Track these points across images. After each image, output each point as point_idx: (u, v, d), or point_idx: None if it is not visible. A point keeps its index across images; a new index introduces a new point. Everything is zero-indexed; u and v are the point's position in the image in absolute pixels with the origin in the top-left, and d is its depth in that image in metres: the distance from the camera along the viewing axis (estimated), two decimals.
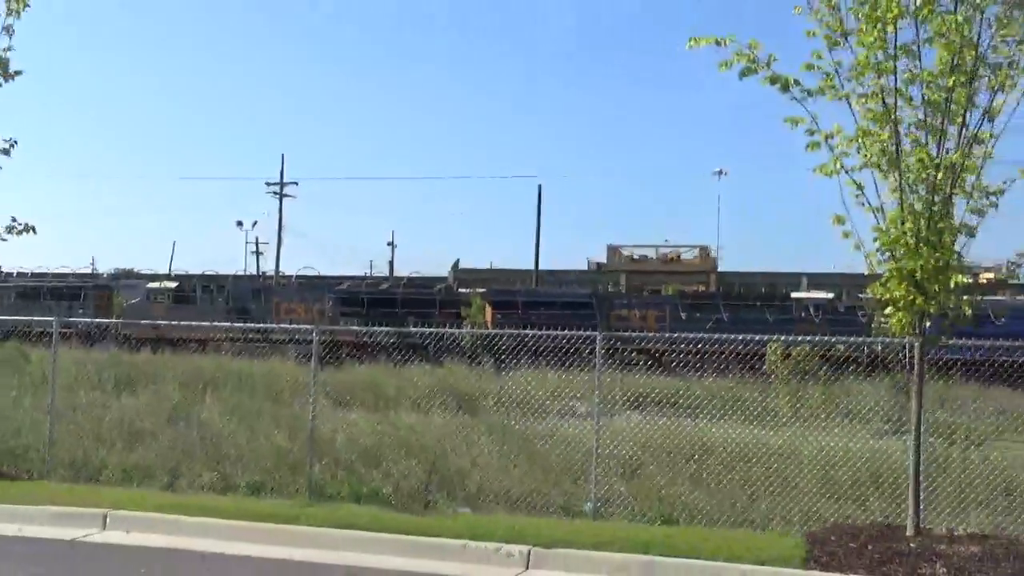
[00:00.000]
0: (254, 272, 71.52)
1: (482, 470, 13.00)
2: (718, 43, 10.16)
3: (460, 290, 55.03)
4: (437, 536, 10.57)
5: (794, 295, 44.04)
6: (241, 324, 35.95)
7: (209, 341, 37.55)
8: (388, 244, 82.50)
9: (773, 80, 10.17)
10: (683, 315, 41.47)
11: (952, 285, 9.83)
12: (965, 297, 10.18)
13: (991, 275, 37.62)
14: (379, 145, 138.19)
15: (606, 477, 12.32)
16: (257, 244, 76.19)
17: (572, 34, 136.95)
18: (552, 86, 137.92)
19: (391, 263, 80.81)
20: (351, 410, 16.97)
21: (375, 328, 18.65)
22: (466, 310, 45.27)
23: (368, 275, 69.50)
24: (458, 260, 70.53)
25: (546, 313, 41.16)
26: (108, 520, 11.42)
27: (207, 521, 11.26)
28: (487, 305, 45.03)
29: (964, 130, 9.94)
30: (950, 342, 10.80)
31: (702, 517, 11.37)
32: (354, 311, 42.69)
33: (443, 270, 65.82)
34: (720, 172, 72.16)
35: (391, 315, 39.17)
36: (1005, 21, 9.62)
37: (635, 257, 69.61)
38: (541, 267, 61.90)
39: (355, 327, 37.00)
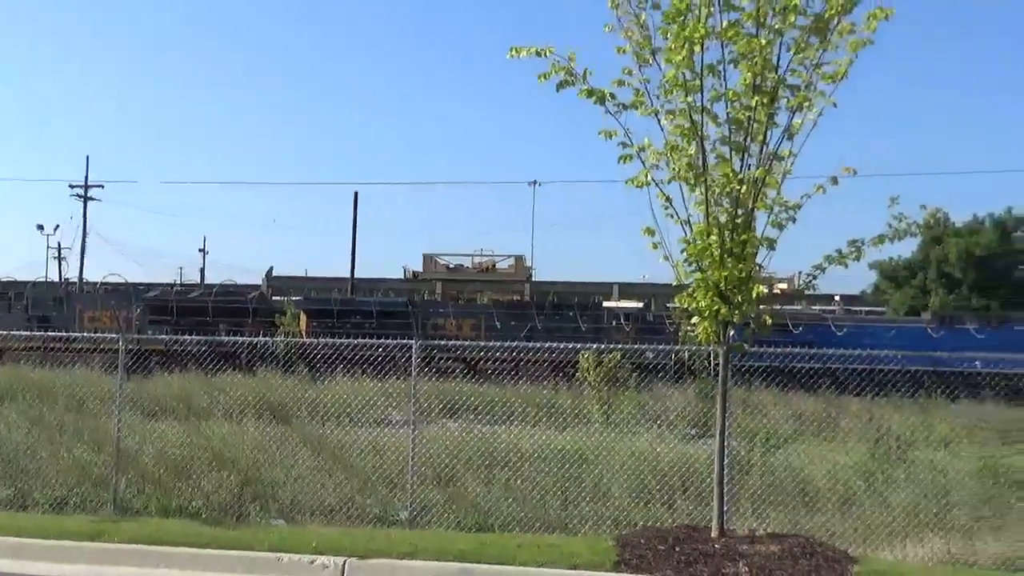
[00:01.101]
0: (56, 279, 68.39)
1: (297, 481, 12.82)
2: (538, 54, 10.30)
3: (274, 298, 54.05)
4: (250, 549, 10.36)
5: (606, 304, 45.05)
6: (42, 333, 34.31)
7: (5, 351, 35.72)
8: (200, 251, 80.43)
9: (589, 93, 10.36)
10: (498, 324, 41.82)
11: (754, 295, 10.23)
12: (765, 307, 10.63)
13: (784, 286, 39.35)
14: (190, 149, 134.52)
15: (422, 486, 12.33)
16: (60, 249, 72.89)
17: (393, 39, 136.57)
18: (367, 94, 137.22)
19: (202, 270, 78.82)
20: (160, 421, 16.46)
21: (185, 337, 18.16)
22: (280, 318, 44.45)
23: (178, 283, 67.52)
24: (272, 268, 69.37)
25: (362, 321, 40.90)
26: None
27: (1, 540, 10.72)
28: (302, 313, 44.35)
29: (765, 147, 10.35)
30: (752, 350, 11.26)
31: (516, 524, 11.50)
32: (163, 320, 41.42)
33: (257, 278, 64.57)
34: (535, 183, 73.05)
35: (202, 324, 38.16)
36: (802, 45, 10.07)
37: (451, 266, 69.73)
38: (357, 275, 61.40)
39: (164, 336, 35.94)
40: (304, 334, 41.75)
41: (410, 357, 12.44)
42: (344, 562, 10.04)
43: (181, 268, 79.09)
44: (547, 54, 10.28)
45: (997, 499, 12.14)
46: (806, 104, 10.22)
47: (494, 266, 68.30)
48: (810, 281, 11.20)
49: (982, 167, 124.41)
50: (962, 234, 51.75)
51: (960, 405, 24.10)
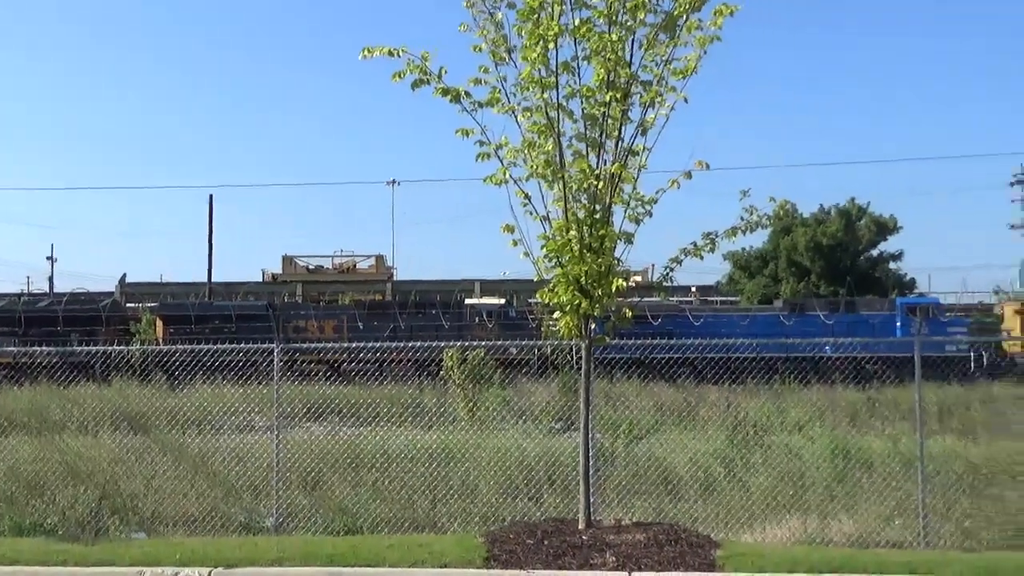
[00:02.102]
0: None
1: (158, 492, 12.51)
2: (391, 54, 10.24)
3: (128, 305, 52.66)
4: (111, 565, 10.04)
5: (468, 301, 45.10)
6: None
7: None
8: (47, 259, 77.65)
9: (444, 92, 10.35)
10: (361, 324, 41.54)
11: (614, 289, 10.38)
12: (625, 300, 10.81)
13: (639, 278, 40.17)
14: (32, 155, 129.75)
15: (288, 491, 12.17)
16: None
17: (249, 37, 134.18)
18: (221, 95, 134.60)
19: (51, 279, 76.13)
20: (11, 437, 15.84)
21: (35, 348, 17.52)
22: (136, 326, 43.31)
23: (25, 292, 65.07)
24: (125, 274, 67.47)
25: (221, 326, 40.14)
26: None
27: None
28: (158, 320, 43.30)
29: (620, 143, 10.52)
30: (613, 342, 11.43)
31: (386, 525, 11.45)
32: (10, 331, 39.88)
33: (110, 285, 62.69)
34: (393, 182, 72.79)
35: (52, 334, 36.89)
36: (653, 42, 10.27)
37: (311, 267, 69.03)
38: (215, 279, 60.18)
39: (12, 348, 34.62)
40: (161, 341, 40.77)
41: (272, 361, 12.26)
42: (210, 572, 9.82)
43: (28, 277, 76.25)
44: (400, 53, 10.23)
45: (849, 479, 12.60)
46: (658, 99, 10.40)
47: (355, 266, 67.88)
48: (667, 273, 11.42)
49: (826, 160, 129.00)
50: (809, 224, 53.47)
51: (812, 390, 24.94)
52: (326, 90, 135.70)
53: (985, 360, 36.51)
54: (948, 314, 42.35)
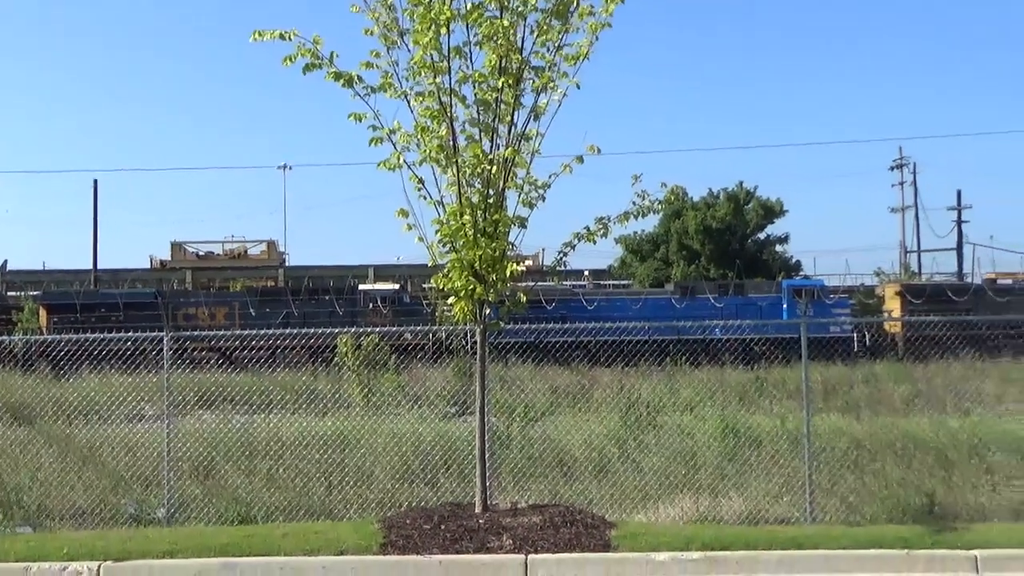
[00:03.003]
0: None
1: (43, 485, 12.19)
2: (282, 37, 10.13)
3: (10, 294, 51.16)
4: None
5: (362, 287, 44.81)
6: None
7: None
8: None
9: (336, 76, 10.27)
10: (252, 311, 40.99)
11: (508, 274, 10.44)
12: (519, 284, 10.88)
13: (529, 262, 40.47)
14: None
15: (179, 481, 11.98)
16: None
17: (131, 23, 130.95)
18: (105, 78, 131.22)
19: None
20: None
21: None
22: (18, 315, 42.07)
23: None
24: (6, 261, 65.39)
25: (108, 314, 39.22)
26: None
27: None
28: (41, 308, 42.11)
29: (513, 128, 10.58)
30: (508, 327, 11.50)
31: (280, 513, 11.35)
32: None
33: None
34: (285, 166, 71.85)
35: None
36: (544, 28, 10.33)
37: (200, 254, 67.81)
38: (100, 266, 58.73)
39: None
40: (45, 330, 39.69)
41: (161, 349, 12.04)
42: (99, 567, 9.63)
43: None
44: (291, 37, 10.12)
45: (739, 458, 12.89)
46: (551, 85, 10.50)
47: (246, 252, 66.92)
48: (561, 258, 11.52)
49: (715, 144, 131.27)
50: (699, 208, 54.33)
51: (702, 371, 25.41)
52: (210, 74, 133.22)
53: (867, 340, 37.60)
54: (832, 296, 43.46)
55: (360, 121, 10.40)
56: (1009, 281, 49.97)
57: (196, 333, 20.98)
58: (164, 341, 12.04)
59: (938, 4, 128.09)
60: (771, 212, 55.11)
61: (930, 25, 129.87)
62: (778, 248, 55.97)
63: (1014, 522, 10.94)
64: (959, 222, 63.15)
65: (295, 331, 14.53)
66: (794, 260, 56.34)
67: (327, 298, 42.02)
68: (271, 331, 14.89)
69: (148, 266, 68.87)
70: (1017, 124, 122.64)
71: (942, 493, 11.68)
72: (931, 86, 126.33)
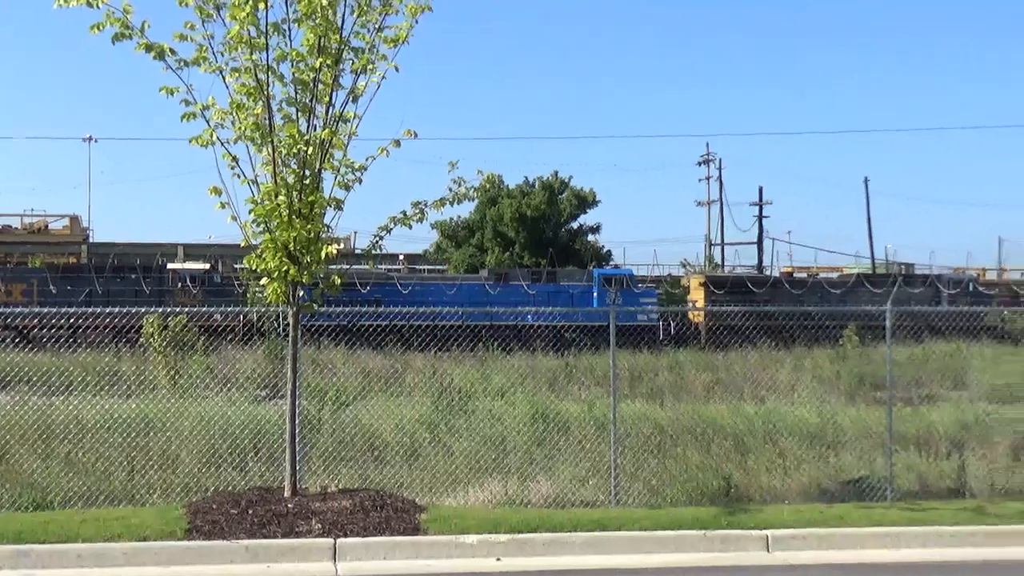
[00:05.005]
0: None
1: None
2: (90, 4, 9.76)
3: None
4: None
5: (170, 266, 43.53)
6: None
7: None
8: None
9: (148, 48, 9.97)
10: (53, 288, 39.22)
11: (323, 256, 10.36)
12: (334, 267, 10.80)
13: (341, 245, 40.23)
14: None
15: None
16: None
17: None
18: None
19: None
20: None
21: None
22: None
23: None
24: None
25: None
26: None
27: None
28: None
29: (331, 109, 10.49)
30: (321, 309, 11.41)
31: (79, 499, 10.95)
32: None
33: None
34: (90, 138, 69.01)
35: None
36: (365, 8, 10.27)
37: None
38: None
39: None
40: None
41: None
42: None
43: None
44: (100, 4, 9.75)
45: (547, 443, 13.15)
46: (370, 67, 10.46)
47: (46, 227, 63.93)
48: (376, 242, 11.50)
49: (532, 134, 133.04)
50: (515, 196, 54.90)
51: (514, 357, 25.75)
52: (16, 36, 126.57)
53: (672, 329, 38.80)
54: (641, 285, 44.65)
55: (172, 95, 10.14)
56: (804, 275, 52.52)
57: None
58: None
59: (757, 10, 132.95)
60: (584, 202, 56.14)
61: (751, 29, 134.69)
62: (590, 237, 57.07)
63: (804, 503, 11.55)
64: (760, 217, 65.61)
65: (98, 310, 14.00)
66: (606, 250, 57.57)
67: (133, 276, 40.61)
68: (72, 309, 14.33)
69: None
70: (816, 126, 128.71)
71: (739, 476, 12.21)
72: (740, 87, 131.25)
